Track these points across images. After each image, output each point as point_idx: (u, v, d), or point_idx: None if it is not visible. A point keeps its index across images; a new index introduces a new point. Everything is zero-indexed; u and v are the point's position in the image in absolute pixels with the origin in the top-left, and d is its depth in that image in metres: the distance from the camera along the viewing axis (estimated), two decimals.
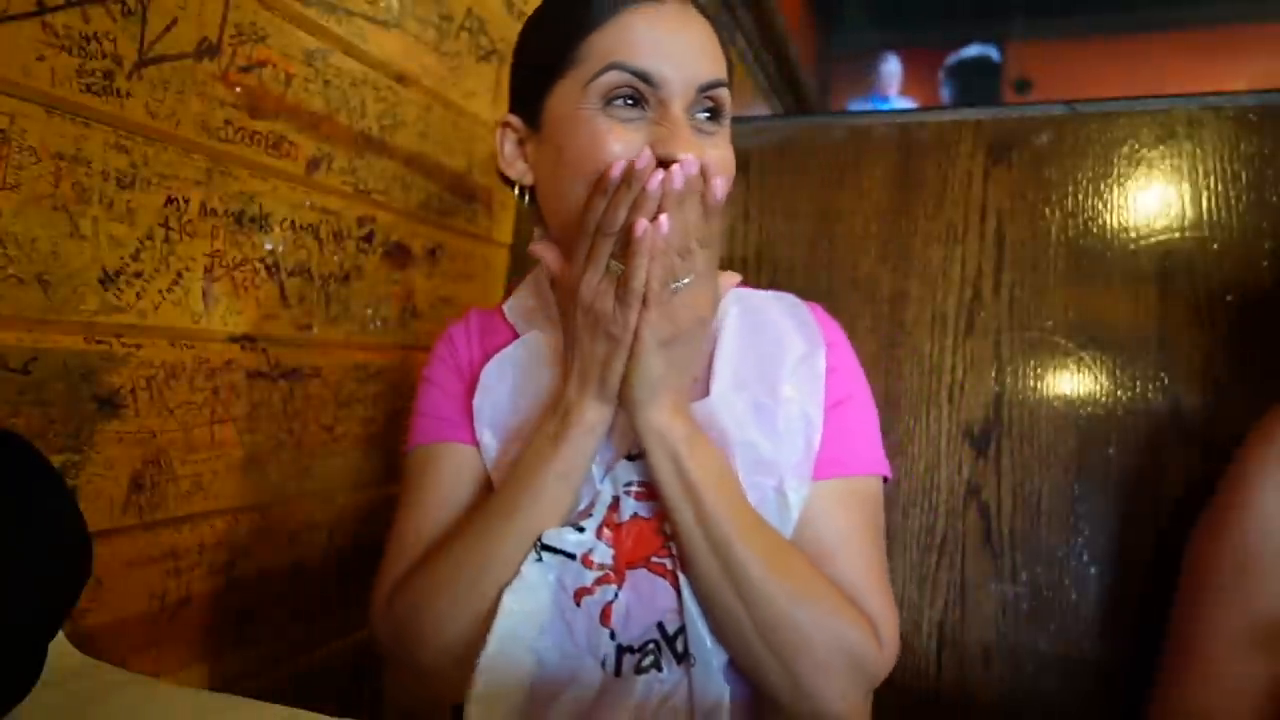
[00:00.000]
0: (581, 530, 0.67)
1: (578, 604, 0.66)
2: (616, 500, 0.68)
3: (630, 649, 0.65)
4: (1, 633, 0.46)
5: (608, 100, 0.63)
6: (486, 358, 0.75)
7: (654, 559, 0.66)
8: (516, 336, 0.76)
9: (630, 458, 0.67)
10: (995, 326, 0.91)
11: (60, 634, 0.54)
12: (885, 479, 0.71)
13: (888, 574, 0.69)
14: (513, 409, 0.73)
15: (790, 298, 0.76)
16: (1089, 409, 0.86)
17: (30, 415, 0.59)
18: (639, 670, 0.64)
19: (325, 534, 0.90)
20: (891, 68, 4.29)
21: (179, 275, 0.70)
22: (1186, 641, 0.70)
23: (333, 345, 0.89)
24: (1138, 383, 0.85)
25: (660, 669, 0.64)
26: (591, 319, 0.62)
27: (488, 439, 0.73)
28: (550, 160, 0.68)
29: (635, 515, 0.67)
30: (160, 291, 0.69)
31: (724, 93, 0.66)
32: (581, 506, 0.68)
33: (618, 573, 0.66)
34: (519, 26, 0.72)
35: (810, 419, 0.68)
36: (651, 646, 0.65)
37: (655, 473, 0.63)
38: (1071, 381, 0.88)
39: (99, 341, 0.64)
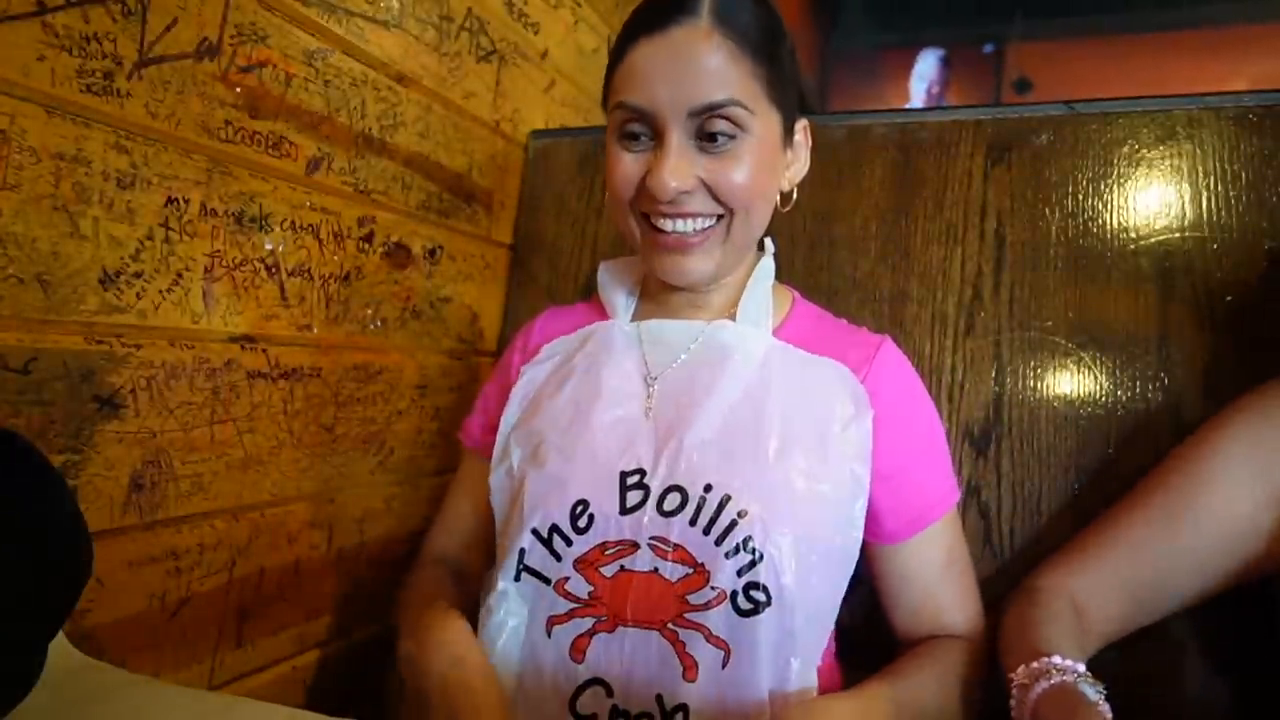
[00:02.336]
0: (559, 559, 0.68)
1: (549, 633, 0.67)
2: (634, 545, 0.67)
3: (626, 714, 0.65)
4: (1, 633, 0.46)
5: (620, 130, 0.70)
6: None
7: (670, 625, 0.65)
8: (599, 309, 0.84)
9: (664, 513, 0.67)
10: (995, 326, 0.91)
11: (60, 634, 0.54)
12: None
13: (975, 586, 0.78)
14: (543, 382, 0.80)
15: (841, 369, 0.74)
16: (1089, 409, 0.86)
17: (30, 415, 0.59)
18: None
19: (325, 534, 0.90)
20: (928, 68, 4.17)
21: (179, 275, 0.70)
22: (1105, 522, 0.77)
23: (333, 345, 0.89)
24: (1138, 383, 0.85)
25: None
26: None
27: (513, 408, 0.80)
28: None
29: (656, 571, 0.66)
30: (160, 291, 0.69)
31: (730, 111, 0.66)
32: (584, 524, 0.68)
33: (611, 615, 0.66)
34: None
35: (859, 479, 0.70)
36: None
37: None
38: (1071, 381, 0.88)
39: (99, 341, 0.64)
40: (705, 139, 0.67)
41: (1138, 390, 0.85)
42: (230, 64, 0.72)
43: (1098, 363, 0.87)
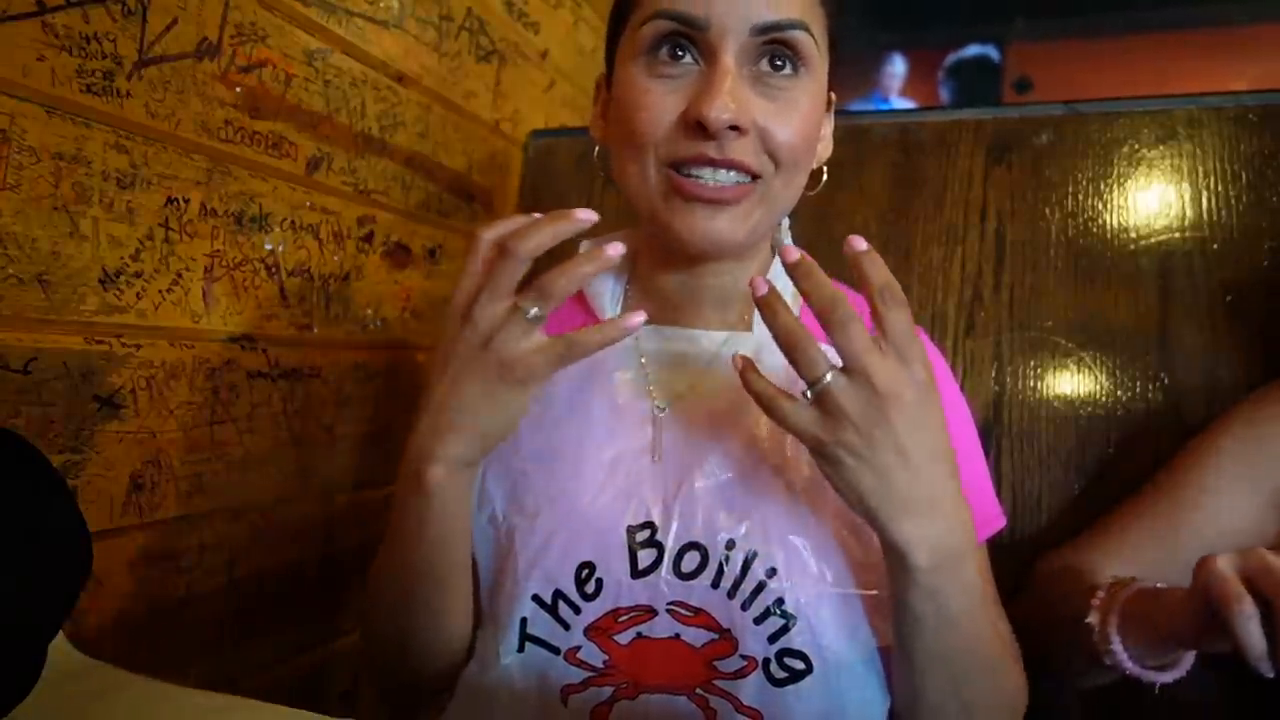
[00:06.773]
0: (567, 628, 0.60)
1: (565, 703, 0.60)
2: (650, 611, 0.59)
3: None
4: (1, 633, 0.46)
5: (652, 51, 0.57)
6: None
7: (699, 690, 0.58)
8: (579, 301, 0.71)
9: (682, 575, 0.58)
10: (995, 326, 0.91)
11: (60, 634, 0.54)
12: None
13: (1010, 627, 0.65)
14: None
15: None
16: (1089, 409, 0.86)
17: (30, 415, 0.59)
18: None
19: (325, 534, 0.90)
20: (896, 69, 4.26)
21: (179, 275, 0.70)
22: (1110, 519, 0.76)
23: (333, 345, 0.89)
24: (1138, 383, 0.85)
25: None
26: (477, 345, 0.53)
27: None
28: (611, 120, 0.62)
29: (678, 637, 0.59)
30: (160, 291, 0.69)
31: (797, 36, 0.56)
32: (592, 589, 0.60)
33: (632, 683, 0.59)
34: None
35: None
36: None
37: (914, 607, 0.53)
38: (1071, 381, 0.88)
39: (99, 341, 0.64)
40: (766, 68, 0.56)
41: (1138, 390, 0.85)
42: (230, 64, 0.72)
43: (1098, 363, 0.87)
